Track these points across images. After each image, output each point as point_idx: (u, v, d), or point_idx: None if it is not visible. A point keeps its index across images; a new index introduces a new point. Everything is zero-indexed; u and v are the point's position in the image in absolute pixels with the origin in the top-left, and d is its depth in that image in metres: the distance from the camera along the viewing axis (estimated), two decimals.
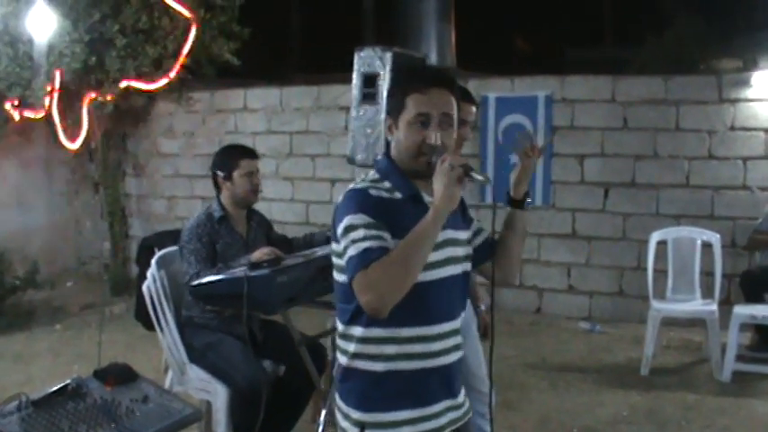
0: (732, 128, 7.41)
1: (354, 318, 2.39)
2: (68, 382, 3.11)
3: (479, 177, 2.27)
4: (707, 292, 6.55)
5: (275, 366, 4.37)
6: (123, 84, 8.65)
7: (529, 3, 19.31)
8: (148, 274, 4.28)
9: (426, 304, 2.38)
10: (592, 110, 7.77)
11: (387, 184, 2.41)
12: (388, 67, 6.48)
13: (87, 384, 3.16)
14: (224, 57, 9.02)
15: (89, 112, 8.73)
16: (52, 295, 8.76)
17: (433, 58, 11.52)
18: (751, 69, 7.81)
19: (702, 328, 6.53)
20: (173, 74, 8.68)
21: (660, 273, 6.61)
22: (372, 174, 2.47)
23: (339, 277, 2.44)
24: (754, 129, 7.34)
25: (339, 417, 2.51)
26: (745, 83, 7.37)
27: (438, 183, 2.24)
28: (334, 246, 2.42)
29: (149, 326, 4.69)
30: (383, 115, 6.38)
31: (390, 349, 2.37)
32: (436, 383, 2.45)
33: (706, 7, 14.97)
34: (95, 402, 3.05)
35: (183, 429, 3.27)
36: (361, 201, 2.35)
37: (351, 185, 2.44)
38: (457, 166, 2.23)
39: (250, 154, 4.47)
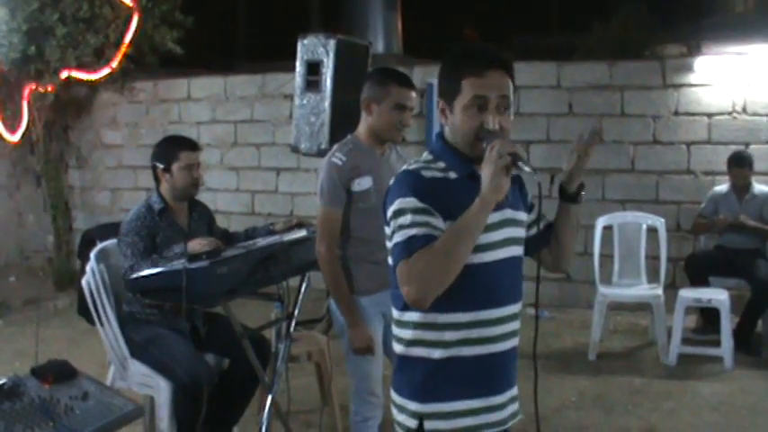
0: (676, 113, 7.49)
1: None
2: (4, 381, 3.03)
3: (526, 169, 2.15)
4: (652, 277, 6.62)
5: (219, 360, 4.31)
6: (64, 74, 8.47)
7: None
8: (87, 267, 4.18)
9: (486, 287, 2.30)
10: (537, 96, 7.79)
11: (441, 164, 2.32)
12: (332, 55, 6.44)
13: (24, 383, 3.07)
14: (167, 46, 8.88)
15: (29, 104, 8.55)
16: None
17: (379, 45, 11.50)
18: (695, 55, 7.88)
19: (648, 312, 6.60)
20: (115, 63, 8.54)
21: (606, 258, 6.66)
22: (426, 155, 2.37)
23: (391, 260, 2.33)
24: (698, 114, 7.42)
25: (394, 411, 2.42)
26: (689, 68, 7.45)
27: (486, 171, 2.15)
28: (386, 229, 2.33)
29: (92, 320, 4.60)
30: (327, 102, 6.37)
31: (450, 335, 2.29)
32: (497, 371, 2.37)
33: None
34: (33, 401, 2.96)
35: (124, 426, 3.21)
36: (412, 183, 2.27)
37: (405, 167, 2.36)
38: (505, 155, 2.13)
39: (190, 146, 4.35)
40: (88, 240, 4.67)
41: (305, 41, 6.56)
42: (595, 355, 6.24)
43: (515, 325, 2.39)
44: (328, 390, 4.82)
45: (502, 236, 2.32)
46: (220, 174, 9.07)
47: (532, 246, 2.49)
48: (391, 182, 2.34)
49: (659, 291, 6.35)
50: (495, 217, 2.26)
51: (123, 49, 8.48)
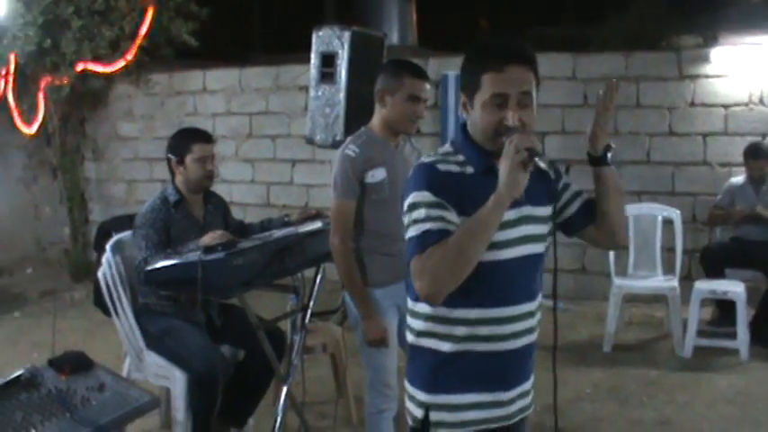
0: (692, 104, 7.44)
1: None
2: (21, 372, 3.06)
3: (542, 165, 2.10)
4: (668, 268, 6.59)
5: (235, 351, 4.32)
6: (80, 66, 8.49)
7: None
8: (104, 259, 4.21)
9: (498, 285, 2.27)
10: (552, 87, 7.74)
11: (460, 158, 2.29)
12: (346, 47, 6.44)
13: (42, 374, 3.10)
14: (182, 38, 8.88)
15: (45, 96, 8.58)
16: (11, 282, 8.65)
17: (393, 37, 11.49)
18: (710, 46, 7.84)
19: (663, 304, 6.58)
20: (130, 56, 8.53)
21: (621, 249, 6.63)
22: (446, 146, 2.35)
23: (407, 255, 2.32)
24: (714, 105, 7.37)
25: (406, 399, 2.44)
26: (705, 59, 7.40)
27: (503, 166, 2.12)
28: (404, 219, 2.31)
29: (108, 312, 4.63)
30: (342, 94, 6.37)
31: (460, 330, 2.28)
32: (507, 368, 2.35)
33: None
34: (50, 392, 2.99)
35: (140, 417, 3.23)
36: (426, 176, 2.25)
37: (421, 159, 2.34)
38: (522, 150, 2.10)
39: (204, 138, 4.35)
40: (104, 232, 4.69)
41: (320, 33, 6.56)
42: (610, 346, 6.23)
43: (531, 323, 2.36)
44: (343, 381, 4.84)
45: (518, 233, 2.28)
46: (236, 165, 9.09)
47: (575, 225, 2.44)
48: (409, 174, 2.33)
49: (675, 283, 6.33)
50: (511, 214, 2.24)
51: (138, 41, 8.48)
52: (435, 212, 2.19)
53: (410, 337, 2.42)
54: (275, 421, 3.95)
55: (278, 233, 3.78)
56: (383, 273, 3.55)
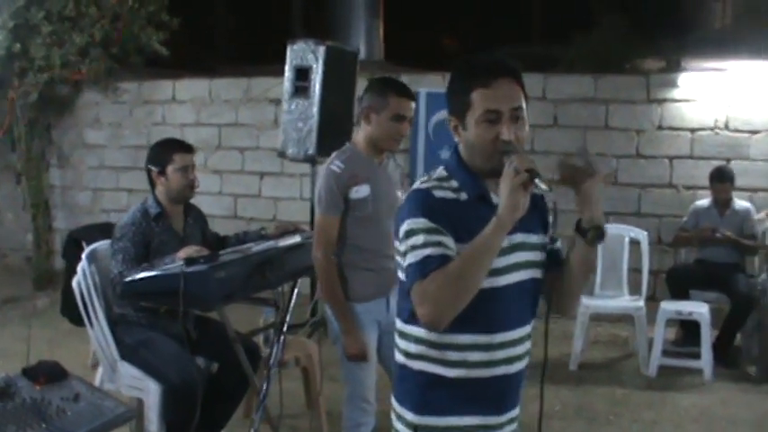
0: (659, 127, 7.58)
1: (414, 317, 2.23)
2: None
3: (543, 186, 2.07)
4: (634, 289, 6.68)
5: (209, 363, 4.31)
6: (48, 72, 8.40)
7: None
8: (79, 268, 4.16)
9: (489, 312, 2.23)
10: None
11: (454, 184, 2.26)
12: (321, 61, 6.46)
13: (15, 383, 3.06)
14: (153, 46, 8.84)
15: (12, 101, 8.48)
16: None
17: (361, 52, 11.50)
18: (675, 70, 8.00)
19: (628, 324, 6.67)
20: (100, 63, 8.47)
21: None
22: (440, 171, 2.30)
23: (401, 275, 2.31)
24: (681, 129, 7.52)
25: (393, 417, 2.41)
26: (672, 84, 7.55)
27: (503, 188, 2.09)
28: (396, 244, 2.29)
29: (76, 321, 4.58)
30: (316, 108, 6.39)
31: (452, 356, 2.26)
32: (498, 393, 2.33)
33: (632, 7, 15.25)
34: (24, 402, 2.96)
35: (116, 428, 3.21)
36: (422, 203, 2.22)
37: (416, 185, 2.29)
38: (522, 171, 2.06)
39: (185, 148, 4.34)
40: (74, 241, 4.66)
41: (294, 47, 6.58)
42: (577, 365, 6.30)
43: (523, 348, 2.35)
44: (315, 395, 4.84)
45: (510, 261, 2.25)
46: (203, 177, 8.81)
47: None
48: (404, 198, 2.31)
49: (641, 303, 6.42)
50: (504, 242, 2.18)
51: (108, 49, 8.42)
52: (434, 238, 2.16)
53: (400, 358, 2.38)
54: None
55: (258, 247, 3.79)
56: (365, 288, 3.57)
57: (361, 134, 3.67)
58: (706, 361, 6.06)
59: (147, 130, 9.13)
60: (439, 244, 2.16)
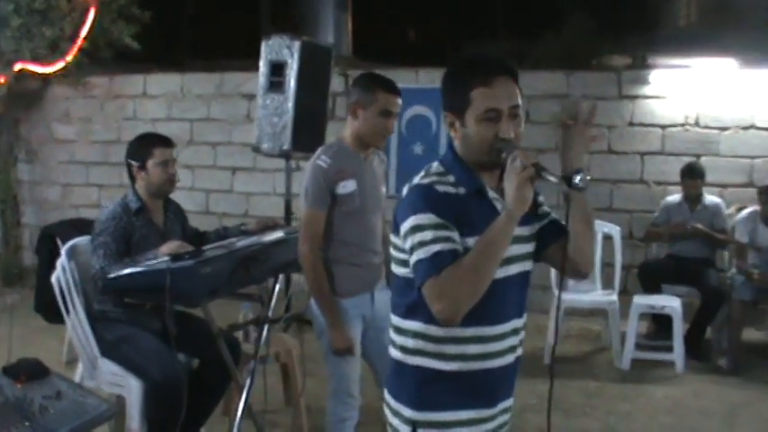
0: (630, 124, 7.67)
1: (411, 312, 2.31)
2: None
3: (552, 178, 2.15)
4: (606, 283, 6.76)
5: (189, 359, 4.29)
6: (18, 66, 8.29)
7: None
8: (58, 264, 4.13)
9: (487, 304, 2.23)
10: None
11: (451, 178, 2.29)
12: (296, 56, 6.45)
13: None
14: (124, 41, 8.75)
15: None
16: None
17: None
18: (642, 67, 8.11)
19: (600, 318, 6.75)
20: (70, 57, 8.37)
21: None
22: (437, 166, 2.33)
23: (396, 269, 2.34)
24: (652, 125, 7.62)
25: (388, 413, 2.41)
26: (644, 81, 7.65)
27: (509, 183, 2.15)
28: (393, 238, 2.31)
29: (50, 318, 4.55)
30: (291, 104, 6.38)
31: (450, 349, 2.29)
32: (493, 385, 2.37)
33: (597, 5, 15.38)
34: (7, 401, 2.94)
35: (100, 425, 3.20)
36: (427, 198, 2.24)
37: (415, 181, 2.31)
38: (528, 166, 2.13)
39: (164, 142, 4.31)
40: (47, 236, 4.63)
41: (269, 42, 6.57)
42: (551, 359, 6.36)
43: (516, 339, 2.39)
44: (295, 390, 4.84)
45: (509, 253, 2.27)
46: None
47: (539, 246, 2.43)
48: (403, 193, 2.31)
49: (614, 297, 6.50)
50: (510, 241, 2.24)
51: (79, 42, 8.33)
52: (442, 234, 2.18)
53: (397, 354, 2.39)
54: (231, 430, 3.93)
55: (242, 242, 3.77)
56: (351, 283, 3.60)
57: (347, 129, 3.68)
58: (678, 354, 6.16)
59: (117, 124, 9.07)
60: (447, 239, 2.18)
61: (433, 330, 2.29)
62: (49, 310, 4.40)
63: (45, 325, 4.77)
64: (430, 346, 2.31)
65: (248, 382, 3.94)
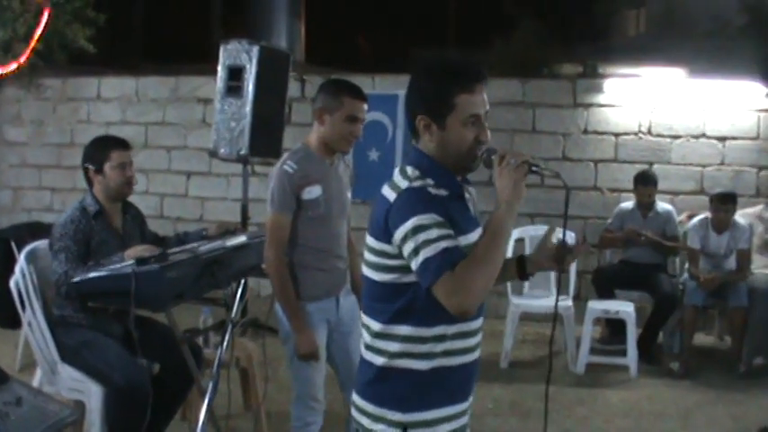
0: (585, 131, 7.79)
1: (398, 317, 2.34)
2: None
3: (546, 172, 2.37)
4: (561, 288, 6.83)
5: (150, 365, 4.25)
6: None
7: (374, 2, 19.53)
8: (17, 268, 4.07)
9: None
10: None
11: (430, 182, 2.33)
12: (254, 61, 6.44)
13: None
14: (79, 43, 8.66)
15: None
16: None
17: None
18: (593, 76, 8.26)
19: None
20: (23, 59, 8.25)
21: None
22: (411, 170, 2.36)
23: (376, 276, 2.37)
24: (606, 132, 7.74)
25: (366, 420, 2.42)
26: (598, 89, 7.78)
27: (505, 180, 2.27)
28: (377, 244, 2.34)
29: (4, 323, 4.49)
30: (248, 108, 6.37)
31: (437, 347, 2.35)
32: (468, 379, 2.47)
33: (546, 13, 15.57)
34: None
35: (62, 430, 3.16)
36: (426, 200, 2.29)
37: (405, 184, 2.33)
38: (521, 163, 2.28)
39: (121, 145, 4.28)
40: (2, 240, 4.56)
41: (228, 46, 6.55)
42: (507, 363, 6.43)
43: (481, 336, 2.49)
44: (255, 396, 4.83)
45: None
46: None
47: None
48: (392, 198, 2.32)
49: (569, 302, 6.59)
50: (475, 236, 2.38)
51: (33, 43, 8.22)
52: (446, 231, 2.23)
53: (378, 360, 2.40)
54: None
55: (205, 246, 3.76)
56: (316, 287, 3.61)
57: (313, 135, 3.69)
58: (632, 358, 6.26)
59: (71, 127, 8.97)
60: (451, 237, 2.24)
61: (423, 331, 2.34)
62: (3, 314, 4.34)
63: (1, 331, 4.72)
64: (418, 348, 2.36)
65: (210, 386, 3.91)
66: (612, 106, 7.70)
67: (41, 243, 4.20)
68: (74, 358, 4.01)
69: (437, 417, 2.39)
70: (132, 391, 3.81)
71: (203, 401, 3.90)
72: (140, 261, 3.35)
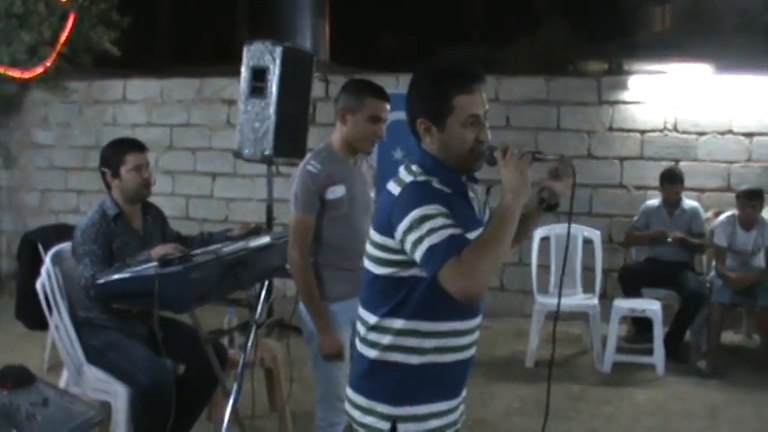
0: (610, 129, 7.74)
1: (395, 310, 2.37)
2: None
3: (550, 157, 2.40)
4: (587, 287, 6.81)
5: (174, 365, 4.27)
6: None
7: (399, 1, 19.54)
8: (43, 270, 4.11)
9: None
10: None
11: (435, 180, 2.36)
12: (278, 62, 6.47)
13: None
14: (104, 45, 8.73)
15: None
16: None
17: None
18: (619, 73, 8.20)
19: (580, 321, 6.80)
20: (49, 62, 8.33)
21: (541, 268, 6.82)
22: (417, 168, 2.40)
23: (377, 269, 2.40)
24: (631, 130, 7.69)
25: (357, 413, 2.47)
26: (623, 86, 7.72)
27: (510, 171, 2.28)
28: (381, 238, 2.37)
29: (32, 324, 4.53)
30: (272, 109, 6.39)
31: (429, 342, 2.38)
32: (460, 377, 2.50)
33: (572, 11, 15.53)
34: None
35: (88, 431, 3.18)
36: (429, 192, 2.32)
37: (409, 179, 2.38)
38: (525, 153, 2.31)
39: (136, 147, 4.30)
40: (29, 242, 4.60)
41: (251, 47, 6.58)
42: (533, 362, 6.40)
43: (477, 334, 2.52)
44: (280, 396, 4.84)
45: None
46: (155, 177, 8.91)
47: None
48: (396, 192, 2.36)
49: (595, 300, 6.56)
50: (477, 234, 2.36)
51: (58, 47, 8.29)
52: (451, 221, 2.25)
53: (372, 353, 2.44)
54: None
55: (229, 247, 3.77)
56: (340, 287, 3.60)
57: (336, 135, 3.69)
58: (658, 356, 6.21)
59: (96, 130, 9.02)
60: (455, 225, 2.25)
61: (415, 325, 2.38)
62: (31, 316, 4.39)
63: (25, 331, 4.76)
64: (410, 341, 2.39)
65: (235, 387, 3.92)
66: (638, 103, 7.64)
67: (67, 245, 4.22)
68: (99, 359, 4.03)
69: (427, 412, 2.43)
70: (157, 391, 3.83)
71: (228, 402, 3.92)
72: (164, 262, 3.36)
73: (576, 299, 6.75)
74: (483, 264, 2.17)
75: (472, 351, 2.50)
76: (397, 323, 2.39)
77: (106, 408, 4.15)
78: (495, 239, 2.22)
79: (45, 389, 3.15)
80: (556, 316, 2.77)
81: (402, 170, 2.44)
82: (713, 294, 6.45)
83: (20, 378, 3.14)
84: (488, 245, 2.21)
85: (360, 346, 2.50)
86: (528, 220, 2.63)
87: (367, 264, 2.47)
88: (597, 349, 6.37)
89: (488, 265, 2.19)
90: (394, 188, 2.39)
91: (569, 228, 2.59)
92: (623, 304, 6.44)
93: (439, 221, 2.23)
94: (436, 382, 2.43)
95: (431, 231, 2.22)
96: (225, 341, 4.62)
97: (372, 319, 2.45)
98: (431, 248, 2.21)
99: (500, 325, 7.49)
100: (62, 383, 4.18)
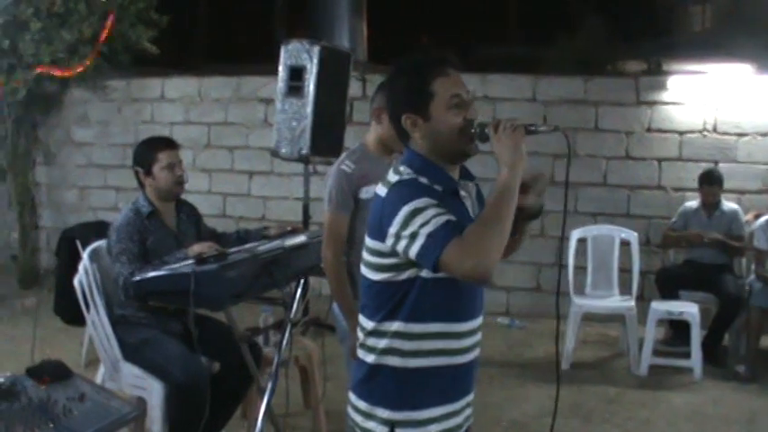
0: (648, 129, 7.65)
1: (392, 314, 2.35)
2: (1, 380, 3.00)
3: (543, 128, 2.31)
4: (623, 289, 6.75)
5: (209, 363, 4.30)
6: (37, 69, 8.35)
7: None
8: (80, 266, 4.15)
9: (461, 300, 2.37)
10: (513, 108, 7.87)
11: (423, 180, 2.33)
12: (315, 61, 6.48)
13: (21, 383, 3.05)
14: (142, 44, 8.81)
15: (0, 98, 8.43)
16: None
17: None
18: (658, 73, 8.10)
19: (617, 323, 6.74)
20: (88, 61, 8.42)
21: (578, 269, 6.77)
22: (405, 168, 2.37)
23: (373, 275, 2.39)
24: (669, 131, 7.60)
25: (358, 417, 2.45)
26: (661, 86, 7.63)
27: (504, 145, 2.25)
28: (375, 244, 2.36)
29: (69, 320, 4.58)
30: (309, 108, 6.40)
31: (426, 345, 2.36)
32: (461, 380, 2.46)
33: (610, 10, 15.38)
34: (30, 402, 2.96)
35: (124, 427, 3.21)
36: (419, 188, 2.29)
37: (395, 179, 2.36)
38: (519, 126, 2.26)
39: (168, 145, 4.33)
40: (68, 239, 4.64)
41: (289, 47, 6.60)
42: (569, 364, 6.35)
43: (479, 336, 2.48)
44: (314, 394, 4.85)
45: None
46: (192, 175, 8.83)
47: None
48: (384, 194, 2.34)
49: (632, 302, 6.49)
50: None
51: (98, 46, 8.38)
52: (444, 210, 2.22)
53: (370, 357, 2.43)
54: None
55: (264, 246, 3.79)
56: None
57: (371, 134, 3.69)
58: (696, 360, 6.13)
59: (135, 128, 9.09)
60: (449, 213, 2.22)
61: (412, 328, 2.35)
62: (69, 312, 4.43)
63: (63, 327, 4.81)
64: (407, 344, 2.36)
65: (270, 385, 3.94)
66: (677, 104, 7.56)
67: (105, 242, 4.27)
68: (135, 355, 4.07)
69: (427, 417, 2.39)
70: (192, 388, 3.85)
71: (262, 400, 3.94)
72: (200, 261, 3.38)
73: (613, 300, 6.69)
74: (489, 240, 2.14)
75: (474, 354, 2.46)
76: (393, 326, 2.37)
77: (142, 404, 4.18)
78: (497, 215, 2.18)
79: (82, 384, 3.20)
80: (557, 316, 2.67)
81: (390, 172, 2.42)
82: (752, 298, 6.35)
83: (57, 373, 3.20)
84: (491, 221, 2.17)
85: (359, 352, 2.49)
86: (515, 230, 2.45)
87: (363, 270, 2.46)
88: (633, 352, 6.31)
89: (494, 242, 2.15)
90: (381, 190, 2.38)
91: (566, 200, 2.60)
92: (660, 307, 6.36)
93: (430, 212, 2.20)
94: (436, 385, 2.40)
95: (424, 224, 2.19)
96: (260, 339, 4.65)
97: (369, 324, 2.44)
98: (428, 237, 2.18)
99: (535, 326, 7.46)
100: (98, 379, 4.23)
